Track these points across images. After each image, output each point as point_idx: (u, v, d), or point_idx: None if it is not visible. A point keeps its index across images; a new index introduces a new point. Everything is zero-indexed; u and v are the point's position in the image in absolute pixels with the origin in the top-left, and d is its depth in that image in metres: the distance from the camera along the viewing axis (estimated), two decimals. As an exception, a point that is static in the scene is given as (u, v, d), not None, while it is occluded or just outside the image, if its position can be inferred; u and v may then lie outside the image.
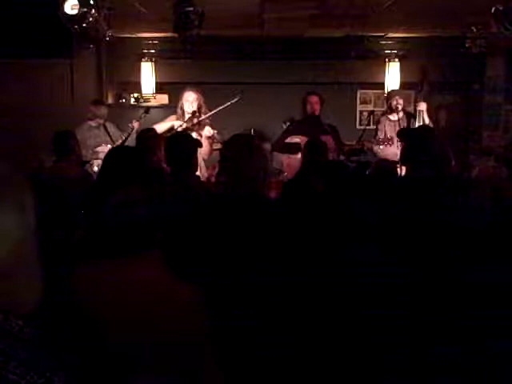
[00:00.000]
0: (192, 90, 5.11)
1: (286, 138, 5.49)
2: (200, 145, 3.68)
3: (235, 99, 5.08)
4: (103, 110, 5.82)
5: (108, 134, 5.69)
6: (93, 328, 1.73)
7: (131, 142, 5.09)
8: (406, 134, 2.88)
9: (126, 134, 5.44)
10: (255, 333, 1.94)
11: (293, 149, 5.31)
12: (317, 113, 5.57)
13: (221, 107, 5.12)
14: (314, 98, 5.59)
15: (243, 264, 2.08)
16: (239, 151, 2.44)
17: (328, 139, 4.99)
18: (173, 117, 5.20)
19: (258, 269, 2.05)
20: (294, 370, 1.93)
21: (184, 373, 1.72)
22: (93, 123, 5.77)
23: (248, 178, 2.38)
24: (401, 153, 2.68)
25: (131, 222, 1.77)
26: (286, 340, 1.93)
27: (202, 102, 5.08)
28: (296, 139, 5.38)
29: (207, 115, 5.04)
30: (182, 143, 3.37)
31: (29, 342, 1.00)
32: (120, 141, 5.42)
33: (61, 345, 1.11)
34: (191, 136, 3.78)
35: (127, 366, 1.72)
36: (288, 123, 5.91)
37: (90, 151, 5.39)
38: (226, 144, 2.67)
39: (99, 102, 6.11)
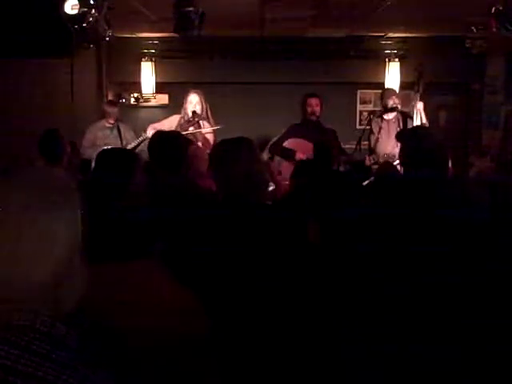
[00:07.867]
0: (196, 93, 5.13)
1: (285, 140, 5.39)
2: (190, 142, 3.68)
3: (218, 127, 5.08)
4: (114, 110, 5.82)
5: (120, 136, 5.66)
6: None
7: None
8: (402, 135, 2.89)
9: (137, 142, 5.41)
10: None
11: (286, 155, 5.24)
12: (317, 115, 5.46)
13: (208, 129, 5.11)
14: (315, 101, 5.47)
15: (242, 269, 2.08)
16: (225, 154, 2.31)
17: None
18: (177, 116, 5.20)
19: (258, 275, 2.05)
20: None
21: (183, 377, 1.72)
22: (107, 124, 5.75)
23: (236, 181, 2.22)
24: (399, 154, 2.71)
25: (131, 225, 1.77)
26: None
27: (204, 105, 5.09)
28: (294, 143, 5.31)
29: (203, 130, 5.03)
30: (172, 143, 3.31)
31: (70, 345, 0.98)
32: (129, 146, 5.40)
33: (99, 345, 1.09)
34: (182, 135, 3.77)
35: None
36: None
37: (96, 151, 5.37)
38: (214, 147, 2.61)
39: (112, 102, 6.15)
